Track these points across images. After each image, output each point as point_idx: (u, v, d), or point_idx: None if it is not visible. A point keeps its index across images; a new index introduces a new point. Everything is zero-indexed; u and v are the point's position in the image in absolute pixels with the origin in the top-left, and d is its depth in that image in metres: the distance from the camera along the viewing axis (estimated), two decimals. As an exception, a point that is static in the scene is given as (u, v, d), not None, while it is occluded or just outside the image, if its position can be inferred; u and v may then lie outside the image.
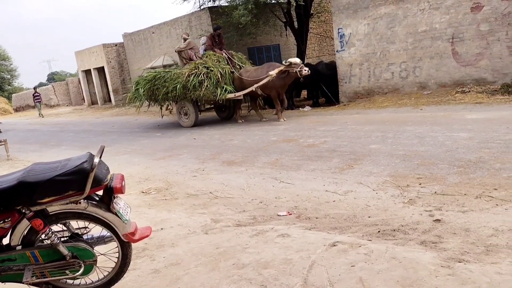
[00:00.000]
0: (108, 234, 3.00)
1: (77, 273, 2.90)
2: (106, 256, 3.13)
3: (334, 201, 4.70)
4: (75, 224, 3.14)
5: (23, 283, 2.84)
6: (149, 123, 15.30)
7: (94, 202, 2.89)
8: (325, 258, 3.28)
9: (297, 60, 10.86)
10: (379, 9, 12.16)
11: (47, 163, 2.95)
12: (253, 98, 12.10)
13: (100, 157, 2.85)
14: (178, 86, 11.45)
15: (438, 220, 3.78)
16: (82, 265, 2.90)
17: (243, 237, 3.89)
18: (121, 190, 2.86)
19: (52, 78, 66.94)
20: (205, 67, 11.50)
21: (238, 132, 10.27)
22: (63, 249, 2.86)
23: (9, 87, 45.44)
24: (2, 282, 2.97)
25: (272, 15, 16.62)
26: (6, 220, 2.78)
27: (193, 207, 5.09)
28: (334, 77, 13.51)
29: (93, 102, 29.09)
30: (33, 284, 2.91)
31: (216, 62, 11.69)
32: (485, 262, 2.96)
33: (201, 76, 11.29)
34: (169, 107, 16.52)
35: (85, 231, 3.12)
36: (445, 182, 4.77)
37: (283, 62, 10.88)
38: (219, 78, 11.35)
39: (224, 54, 12.07)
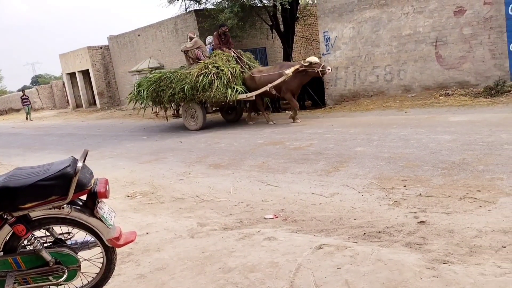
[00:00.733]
0: (92, 239, 2.97)
1: (61, 279, 2.86)
2: (90, 261, 3.09)
3: (320, 203, 4.72)
4: (58, 229, 3.10)
5: (5, 290, 2.79)
6: (134, 126, 15.19)
7: (77, 207, 2.86)
8: (311, 261, 3.29)
9: (316, 59, 10.52)
10: (364, 13, 12.27)
11: (29, 168, 2.91)
12: (256, 100, 11.47)
13: (84, 161, 2.82)
14: (186, 87, 10.92)
15: (422, 222, 3.82)
16: (66, 271, 2.86)
17: (229, 241, 3.88)
18: (105, 195, 2.83)
19: (36, 81, 66.05)
20: (215, 66, 10.95)
21: (225, 135, 10.26)
22: (46, 255, 2.81)
23: (-8, 90, 44.71)
24: (-17, 289, 2.92)
25: (258, 18, 16.65)
26: (-13, 226, 2.73)
27: (179, 211, 5.06)
28: (320, 80, 13.59)
29: (78, 105, 28.79)
30: (15, 291, 2.86)
31: (226, 62, 11.19)
32: (469, 263, 2.99)
33: (211, 76, 10.73)
34: (155, 111, 16.39)
35: (68, 237, 3.08)
36: (429, 184, 4.82)
37: (302, 63, 10.49)
38: (229, 78, 10.84)
39: (233, 53, 11.61)
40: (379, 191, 4.84)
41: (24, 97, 27.16)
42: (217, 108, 12.47)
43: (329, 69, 10.24)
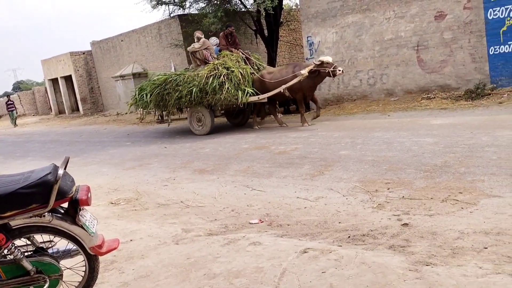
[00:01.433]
0: (74, 247, 2.93)
1: (42, 289, 2.81)
2: (73, 270, 3.05)
3: (305, 207, 4.73)
4: (40, 238, 3.05)
5: (-16, 301, 2.74)
6: (118, 132, 15.06)
7: (59, 215, 2.82)
8: (296, 265, 3.29)
9: (329, 58, 10.00)
10: (347, 17, 12.39)
11: (9, 176, 2.86)
12: (263, 103, 11.12)
13: (65, 168, 2.78)
14: (195, 89, 10.42)
15: (406, 224, 3.86)
16: (47, 280, 2.82)
17: (214, 247, 3.86)
18: (87, 202, 2.80)
19: (18, 87, 65.06)
20: (225, 67, 10.50)
21: (210, 140, 10.23)
22: (27, 264, 2.77)
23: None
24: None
25: (243, 23, 16.70)
26: (-34, 236, 2.67)
27: (164, 217, 5.02)
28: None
29: (61, 111, 28.44)
30: (-5, 302, 2.81)
31: (235, 63, 10.76)
32: (451, 264, 3.03)
33: (222, 78, 10.27)
34: (141, 115, 16.28)
35: (50, 245, 3.04)
36: (412, 186, 4.87)
37: (314, 61, 10.11)
38: (240, 80, 10.42)
39: (241, 53, 11.21)
40: (363, 194, 4.87)
41: (9, 102, 26.74)
42: (223, 112, 12.01)
43: (340, 70, 9.63)
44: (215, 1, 15.37)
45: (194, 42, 11.40)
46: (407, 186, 4.89)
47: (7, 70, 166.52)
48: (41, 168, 2.86)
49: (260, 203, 5.06)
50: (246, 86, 10.50)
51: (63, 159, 2.86)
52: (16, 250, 2.77)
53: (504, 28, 9.80)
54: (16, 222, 2.75)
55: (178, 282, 3.26)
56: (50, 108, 30.20)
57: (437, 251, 3.27)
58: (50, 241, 3.02)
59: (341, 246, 3.59)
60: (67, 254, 2.99)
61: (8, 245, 2.73)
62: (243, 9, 16.50)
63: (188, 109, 11.39)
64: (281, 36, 18.98)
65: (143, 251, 3.97)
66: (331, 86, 13.05)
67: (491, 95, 9.75)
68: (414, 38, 11.18)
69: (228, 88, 10.19)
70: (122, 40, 22.27)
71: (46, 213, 2.74)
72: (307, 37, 13.45)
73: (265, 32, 17.15)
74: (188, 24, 16.98)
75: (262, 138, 9.45)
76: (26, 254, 2.88)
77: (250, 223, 4.45)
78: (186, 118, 13.51)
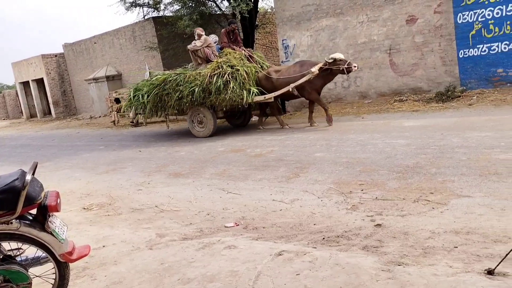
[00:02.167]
0: (44, 254, 2.86)
1: (10, 298, 2.73)
2: (42, 278, 2.98)
3: (281, 210, 4.74)
4: (7, 245, 2.97)
5: None
6: (91, 135, 14.80)
7: (27, 222, 2.75)
8: (271, 268, 3.29)
9: (341, 55, 9.53)
10: (321, 21, 12.52)
11: (-25, 182, 2.77)
12: (265, 104, 10.67)
13: (33, 174, 2.72)
14: (197, 89, 9.88)
15: (379, 225, 3.91)
16: (15, 288, 2.74)
17: (189, 251, 3.83)
18: (56, 208, 2.73)
19: (-13, 90, 63.30)
20: (229, 66, 9.96)
21: (186, 143, 10.16)
22: (-7, 273, 2.68)
23: None
24: None
25: (218, 25, 16.67)
26: None
27: (138, 222, 4.95)
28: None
29: (32, 115, 27.79)
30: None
31: (240, 61, 10.23)
32: (423, 264, 3.08)
33: (227, 77, 9.73)
34: (115, 118, 16.00)
35: (18, 253, 2.96)
36: (385, 187, 4.94)
37: (326, 59, 9.51)
38: (245, 79, 9.92)
39: (244, 52, 10.70)
40: (337, 195, 4.92)
41: None
42: (226, 113, 11.27)
43: (355, 66, 9.20)
44: (190, 4, 15.30)
45: (194, 40, 10.81)
46: (380, 187, 4.96)
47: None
48: (8, 174, 2.78)
49: (236, 206, 5.05)
50: (251, 85, 10.04)
51: (31, 164, 2.79)
52: (-18, 258, 2.69)
53: (473, 32, 10.07)
54: (-18, 229, 2.67)
55: (152, 288, 3.21)
56: (21, 111, 29.50)
57: (409, 251, 3.32)
58: (18, 249, 2.94)
59: (315, 247, 3.61)
60: (36, 261, 2.92)
61: (-26, 254, 2.65)
62: (219, 12, 16.48)
63: (189, 110, 10.79)
64: (256, 39, 19.03)
65: (116, 257, 3.90)
66: (306, 88, 13.11)
67: (461, 97, 9.99)
68: (387, 42, 11.38)
69: (233, 87, 9.68)
70: (95, 43, 21.93)
71: (14, 220, 2.67)
72: (282, 40, 13.52)
73: (241, 35, 17.16)
74: (163, 27, 16.86)
75: (238, 140, 9.45)
76: (-7, 262, 2.80)
77: (226, 227, 4.44)
78: (164, 121, 13.31)
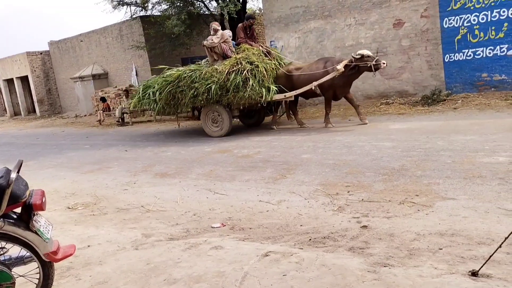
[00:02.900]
0: (28, 254, 2.82)
1: (-8, 298, 2.69)
2: (26, 277, 2.93)
3: (267, 211, 4.74)
4: (-10, 245, 2.92)
5: None
6: (77, 134, 14.64)
7: (11, 221, 2.71)
8: (257, 268, 3.29)
9: (368, 51, 9.09)
10: (309, 23, 12.58)
11: (-43, 180, 2.72)
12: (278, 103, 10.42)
13: (18, 172, 2.67)
14: (214, 86, 9.44)
15: (365, 227, 3.93)
16: (-2, 289, 2.69)
17: (175, 251, 3.81)
18: (41, 207, 2.70)
19: (-31, 87, 62.16)
20: (248, 62, 9.54)
21: (172, 143, 10.11)
22: (-25, 273, 2.63)
23: None
24: None
25: (206, 26, 16.63)
26: None
27: (123, 222, 4.91)
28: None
29: (16, 113, 27.37)
30: None
31: (259, 57, 9.85)
32: (408, 265, 3.11)
33: (246, 74, 9.31)
34: (101, 117, 15.83)
35: (2, 252, 2.91)
36: (371, 189, 4.98)
37: (352, 55, 9.05)
38: (265, 76, 9.51)
39: (261, 47, 10.31)
40: (324, 197, 4.94)
41: None
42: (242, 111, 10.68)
43: (384, 63, 8.78)
44: (178, 3, 15.25)
45: (210, 35, 10.32)
46: (367, 189, 5.00)
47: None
48: (-8, 171, 2.74)
49: (223, 207, 5.04)
50: (270, 83, 9.62)
51: (16, 162, 2.75)
52: (-36, 258, 2.64)
53: (459, 37, 10.22)
54: (-36, 228, 2.62)
55: (138, 288, 3.19)
56: (5, 109, 29.03)
57: (395, 252, 3.35)
58: (2, 248, 2.89)
59: (302, 249, 3.62)
60: (20, 261, 2.88)
61: (-45, 253, 2.60)
62: (207, 12, 16.46)
63: (203, 108, 10.35)
64: (244, 39, 19.03)
65: (101, 257, 3.86)
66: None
67: (446, 101, 10.13)
68: (374, 45, 11.47)
69: (252, 85, 9.25)
70: (81, 41, 21.71)
71: (-3, 219, 2.62)
72: (271, 42, 13.55)
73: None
74: (150, 26, 16.78)
75: (225, 141, 9.43)
76: (-25, 262, 2.75)
77: (212, 227, 4.42)
78: (150, 121, 13.14)
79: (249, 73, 9.33)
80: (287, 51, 13.13)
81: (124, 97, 16.76)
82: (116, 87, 19.37)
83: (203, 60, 10.99)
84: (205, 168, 7.10)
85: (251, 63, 9.54)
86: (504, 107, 8.88)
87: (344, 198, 4.80)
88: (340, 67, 8.88)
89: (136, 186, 6.51)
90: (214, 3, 16.25)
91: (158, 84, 10.41)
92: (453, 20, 10.24)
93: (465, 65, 10.27)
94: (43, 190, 2.85)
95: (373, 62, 8.71)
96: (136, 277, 3.38)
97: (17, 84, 25.91)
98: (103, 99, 18.00)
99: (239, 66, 9.46)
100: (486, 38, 9.87)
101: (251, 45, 10.23)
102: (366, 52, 8.97)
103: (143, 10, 17.68)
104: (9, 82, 26.90)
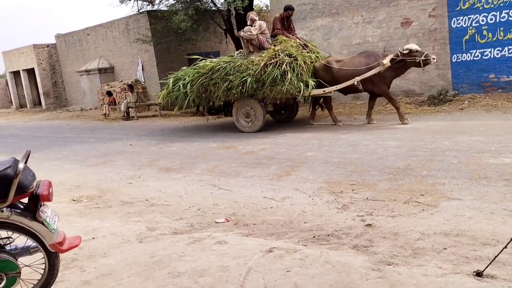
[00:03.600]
0: (34, 244, 2.84)
1: (-2, 287, 2.71)
2: (32, 267, 2.95)
3: (271, 207, 4.75)
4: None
5: None
6: (82, 127, 14.69)
7: (18, 211, 2.72)
8: (261, 264, 3.30)
9: (416, 46, 8.68)
10: (316, 21, 12.54)
11: (-34, 170, 2.73)
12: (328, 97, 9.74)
13: (26, 163, 2.69)
14: (249, 79, 9.04)
15: (369, 225, 3.93)
16: (4, 277, 2.72)
17: (179, 245, 3.82)
18: (48, 198, 2.71)
19: (-24, 78, 62.45)
20: (287, 55, 9.15)
21: (177, 138, 10.12)
22: (-18, 262, 2.65)
23: None
24: None
25: (213, 22, 16.63)
26: None
27: (128, 215, 4.93)
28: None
29: (22, 105, 27.46)
30: None
31: (297, 49, 9.44)
32: (412, 264, 3.10)
33: (284, 67, 8.93)
34: (106, 111, 15.81)
35: (8, 241, 2.92)
36: (376, 188, 4.97)
37: (399, 50, 8.67)
38: (303, 69, 9.08)
39: (298, 40, 9.89)
40: (328, 195, 4.94)
41: None
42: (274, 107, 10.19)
43: (434, 58, 8.39)
44: (185, -1, 15.23)
45: (247, 26, 9.87)
46: (371, 188, 4.99)
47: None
48: (0, 161, 2.75)
49: (227, 203, 5.05)
50: (308, 77, 9.19)
51: (24, 152, 2.76)
52: (-29, 246, 2.66)
53: (467, 37, 10.17)
54: (-28, 217, 2.64)
55: (142, 281, 3.20)
56: (11, 101, 29.15)
57: (399, 251, 3.35)
58: (8, 238, 2.91)
59: (306, 245, 3.62)
60: (26, 251, 2.89)
61: (-38, 242, 2.62)
62: (214, 8, 16.42)
63: (235, 103, 9.89)
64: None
65: (105, 249, 3.88)
66: (300, 88, 13.14)
67: (453, 101, 10.08)
68: (381, 44, 11.44)
69: (291, 78, 8.83)
70: (88, 34, 21.73)
71: (5, 208, 2.64)
72: (277, 39, 13.50)
73: (235, 31, 17.14)
74: (157, 21, 16.76)
75: (229, 137, 9.43)
76: (-19, 251, 2.77)
77: (216, 222, 4.43)
78: (157, 116, 12.97)
79: (287, 66, 8.96)
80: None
81: (129, 92, 16.78)
82: (122, 81, 19.40)
83: (236, 52, 10.66)
84: (209, 163, 7.11)
85: (289, 56, 9.16)
86: (511, 108, 8.83)
87: (348, 196, 4.79)
88: (386, 61, 8.51)
89: (141, 180, 6.53)
90: (221, -1, 16.21)
91: (189, 76, 9.98)
92: (462, 20, 10.18)
93: (473, 65, 10.22)
94: (50, 181, 2.87)
95: (422, 58, 8.30)
96: (141, 269, 3.39)
97: (24, 77, 25.98)
98: (109, 93, 18.04)
99: (277, 58, 9.10)
100: (495, 39, 9.81)
101: (288, 37, 9.82)
102: (414, 46, 8.58)
103: (150, 4, 17.68)
104: (16, 74, 26.97)
